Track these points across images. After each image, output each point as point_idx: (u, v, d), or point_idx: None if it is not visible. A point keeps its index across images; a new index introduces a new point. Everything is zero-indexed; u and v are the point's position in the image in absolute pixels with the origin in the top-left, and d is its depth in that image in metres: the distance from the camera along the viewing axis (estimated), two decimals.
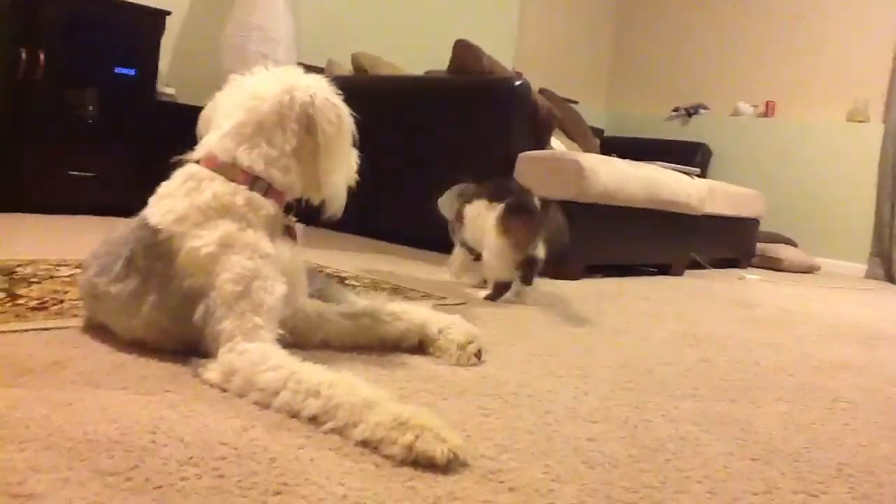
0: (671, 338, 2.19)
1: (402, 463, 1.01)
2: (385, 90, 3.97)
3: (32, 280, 1.88)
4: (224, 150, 1.39)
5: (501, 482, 1.00)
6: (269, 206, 1.39)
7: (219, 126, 1.43)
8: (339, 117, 1.43)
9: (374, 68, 4.22)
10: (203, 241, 1.31)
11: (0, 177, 3.22)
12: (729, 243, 4.91)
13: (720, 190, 4.57)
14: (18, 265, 2.04)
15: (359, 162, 1.55)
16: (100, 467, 0.90)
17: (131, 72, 3.63)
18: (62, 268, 2.07)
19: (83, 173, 3.45)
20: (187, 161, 1.43)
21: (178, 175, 1.42)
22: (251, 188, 1.37)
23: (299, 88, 1.42)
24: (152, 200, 1.41)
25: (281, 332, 1.33)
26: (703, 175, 5.86)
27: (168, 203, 1.36)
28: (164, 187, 1.42)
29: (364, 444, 1.06)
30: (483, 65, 3.61)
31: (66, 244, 2.56)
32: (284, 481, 0.92)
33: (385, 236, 3.91)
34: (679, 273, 4.10)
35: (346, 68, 4.38)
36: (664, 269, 4.07)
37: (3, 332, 1.41)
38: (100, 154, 3.52)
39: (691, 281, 3.89)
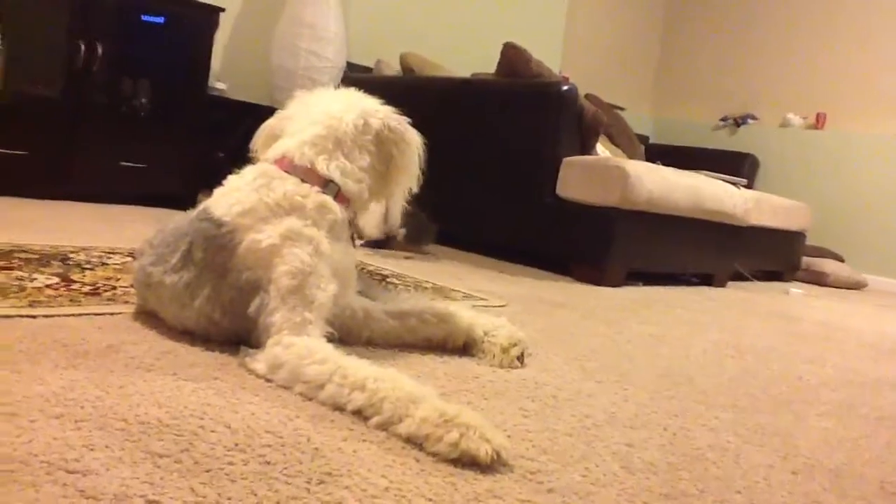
0: (712, 348, 2.17)
1: (446, 460, 1.03)
2: (432, 91, 3.99)
3: (86, 266, 1.93)
4: (302, 155, 1.45)
5: (540, 483, 1.01)
6: (337, 211, 1.44)
7: (293, 136, 1.49)
8: (407, 143, 1.54)
9: (421, 69, 4.25)
10: (266, 234, 1.35)
11: (54, 166, 3.30)
12: (774, 256, 4.84)
13: (766, 201, 4.51)
14: (72, 251, 2.09)
15: (420, 180, 1.63)
16: (151, 449, 0.93)
17: (159, 20, 3.71)
18: (114, 255, 2.12)
19: (134, 164, 3.53)
20: (260, 161, 1.49)
21: (249, 171, 1.46)
22: (323, 190, 1.43)
23: (370, 113, 1.52)
24: (217, 193, 1.45)
25: (329, 329, 1.36)
26: (749, 186, 5.80)
27: (236, 196, 1.40)
28: (233, 181, 1.46)
29: (408, 439, 1.07)
30: (531, 68, 3.61)
31: (117, 233, 2.62)
32: (328, 471, 0.94)
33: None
34: (722, 284, 4.05)
35: (395, 68, 4.41)
36: (707, 280, 4.02)
37: (59, 315, 1.46)
38: (151, 146, 3.59)
39: (734, 292, 3.85)
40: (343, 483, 0.92)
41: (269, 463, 0.94)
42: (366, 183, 1.51)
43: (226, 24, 4.11)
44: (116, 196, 3.50)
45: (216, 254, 1.36)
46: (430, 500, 0.91)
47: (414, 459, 1.02)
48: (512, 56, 3.61)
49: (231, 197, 1.40)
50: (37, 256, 1.95)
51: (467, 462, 1.02)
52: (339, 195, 1.45)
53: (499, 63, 3.70)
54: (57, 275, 1.78)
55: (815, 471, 1.24)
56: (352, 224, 1.52)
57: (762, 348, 2.29)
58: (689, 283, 3.94)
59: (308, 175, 1.43)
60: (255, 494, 0.86)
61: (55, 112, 3.35)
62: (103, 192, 3.46)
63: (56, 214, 2.88)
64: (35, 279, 1.71)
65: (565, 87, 3.37)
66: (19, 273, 1.74)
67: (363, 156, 1.50)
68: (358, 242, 3.22)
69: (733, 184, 3.95)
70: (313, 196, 1.40)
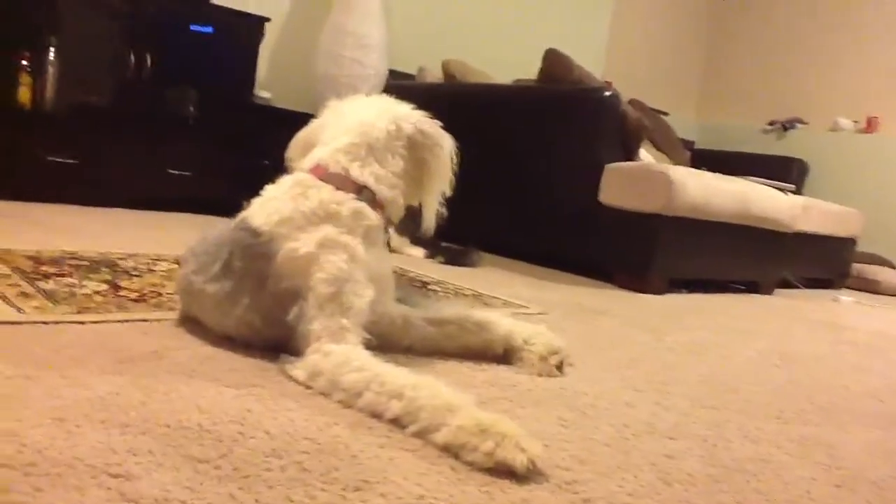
0: (756, 357, 2.14)
1: (482, 469, 1.03)
2: (474, 97, 4.00)
3: (133, 273, 1.98)
4: (336, 163, 1.47)
5: (576, 493, 1.01)
6: (373, 217, 1.45)
7: (327, 144, 1.51)
8: (440, 147, 1.55)
9: (463, 76, 4.26)
10: (302, 242, 1.37)
11: (104, 173, 3.39)
12: (823, 263, 4.74)
13: (815, 207, 4.42)
14: (120, 258, 2.14)
15: (453, 184, 1.64)
16: (191, 453, 0.95)
17: (208, 30, 3.78)
18: (160, 262, 2.17)
19: (181, 172, 3.60)
20: (295, 170, 1.51)
21: (286, 181, 1.49)
22: (358, 197, 1.44)
23: (403, 119, 1.54)
24: (255, 202, 1.48)
25: (367, 335, 1.37)
26: (798, 191, 5.69)
27: (273, 205, 1.43)
28: (270, 191, 1.49)
29: (445, 447, 1.08)
30: (573, 74, 3.60)
31: (164, 240, 2.68)
32: (364, 478, 0.95)
33: (468, 242, 3.93)
34: (769, 292, 3.98)
35: (437, 75, 4.43)
36: (753, 287, 3.96)
37: (106, 321, 1.50)
38: (197, 153, 3.67)
39: (781, 300, 3.78)
40: (378, 490, 0.93)
41: (306, 469, 0.95)
42: (400, 188, 1.52)
43: (271, 33, 4.17)
44: (164, 203, 3.57)
45: (255, 262, 1.38)
46: None
47: (450, 468, 1.03)
48: (553, 62, 3.60)
49: (268, 206, 1.42)
50: (86, 263, 2.00)
51: (503, 471, 1.02)
52: (374, 201, 1.46)
53: (540, 69, 3.69)
54: (105, 281, 1.83)
55: (858, 483, 1.21)
56: (387, 229, 1.53)
57: (808, 357, 2.25)
58: (734, 290, 3.87)
59: (343, 182, 1.44)
60: (292, 500, 0.87)
61: (104, 120, 3.44)
62: (151, 198, 3.54)
63: (105, 221, 2.96)
64: (84, 286, 1.75)
65: (607, 93, 3.35)
66: (70, 280, 1.79)
67: (396, 161, 1.51)
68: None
69: (780, 189, 3.88)
70: (348, 203, 1.42)
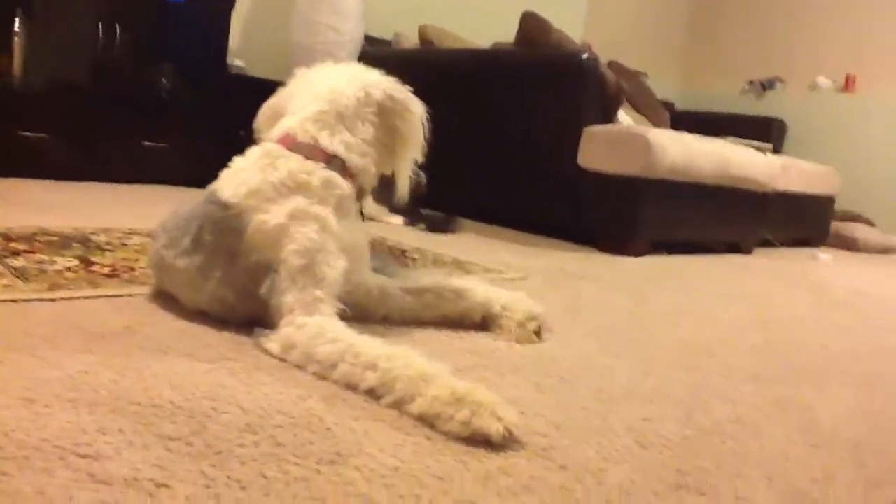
0: (735, 318, 2.14)
1: (458, 438, 1.02)
2: (451, 63, 3.96)
3: (106, 248, 1.95)
4: (304, 132, 1.44)
5: (552, 459, 1.00)
6: (343, 186, 1.43)
7: (295, 113, 1.48)
8: (411, 112, 1.52)
9: (440, 41, 4.21)
10: (272, 214, 1.35)
11: (77, 147, 3.33)
12: (802, 221, 4.77)
13: (794, 166, 4.43)
14: (93, 233, 2.11)
15: (426, 150, 1.61)
16: (162, 431, 0.94)
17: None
18: (134, 236, 2.14)
19: (156, 144, 3.55)
20: (263, 140, 1.48)
21: (254, 151, 1.46)
22: (328, 166, 1.41)
23: (372, 85, 1.51)
24: (224, 175, 1.45)
25: (341, 306, 1.36)
26: (777, 151, 5.69)
27: (242, 177, 1.40)
28: (238, 162, 1.45)
29: (420, 418, 1.07)
30: (551, 37, 3.56)
31: (138, 213, 2.65)
32: (338, 451, 0.95)
33: (448, 208, 3.91)
34: (749, 251, 4.00)
35: (413, 41, 4.37)
36: (733, 248, 3.98)
37: (77, 297, 1.47)
38: (171, 125, 3.61)
39: (761, 260, 3.80)
40: (352, 463, 0.92)
41: (279, 444, 0.95)
42: (371, 156, 1.49)
43: (243, 0, 4.09)
44: (139, 176, 3.52)
45: (225, 236, 1.36)
46: (441, 478, 0.91)
47: (426, 438, 1.02)
48: (530, 25, 3.56)
49: (237, 178, 1.40)
50: (58, 239, 1.97)
51: (479, 440, 1.02)
52: (344, 170, 1.44)
53: (517, 33, 3.65)
54: (77, 257, 1.80)
55: (835, 444, 1.22)
56: (359, 198, 1.51)
57: (787, 318, 2.26)
58: (715, 251, 3.89)
59: (312, 152, 1.41)
60: (265, 476, 0.86)
61: (76, 94, 3.37)
62: (126, 173, 3.48)
63: (79, 196, 2.91)
64: (55, 262, 1.73)
65: (585, 56, 3.32)
66: (40, 256, 1.76)
67: (366, 128, 1.48)
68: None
69: (758, 149, 3.88)
70: (318, 173, 1.39)
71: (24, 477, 0.79)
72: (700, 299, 2.39)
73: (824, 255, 4.30)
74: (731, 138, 3.86)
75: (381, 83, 1.52)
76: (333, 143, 1.44)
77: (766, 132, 5.81)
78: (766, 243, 4.27)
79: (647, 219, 3.24)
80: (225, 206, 1.37)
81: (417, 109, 1.53)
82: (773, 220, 4.23)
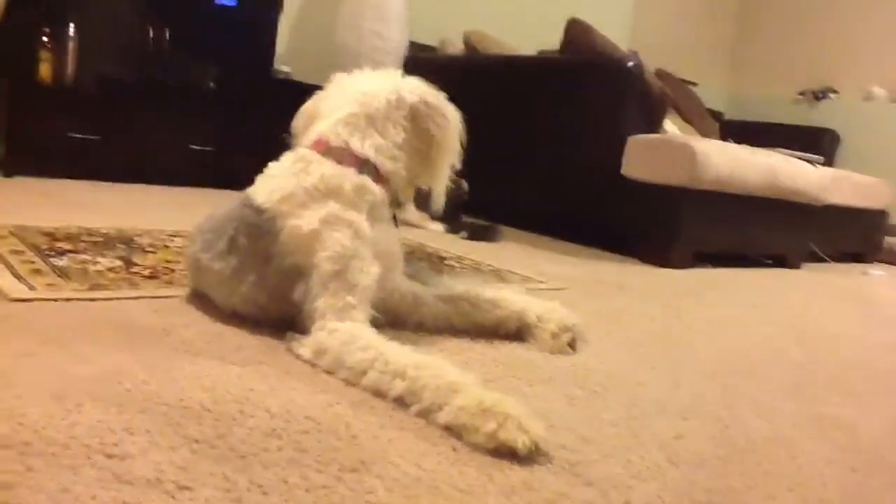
0: (777, 333, 2.09)
1: (484, 450, 1.01)
2: (495, 70, 3.95)
3: (148, 249, 1.98)
4: (336, 136, 1.44)
5: (578, 475, 0.99)
6: (375, 191, 1.43)
7: (328, 117, 1.48)
8: (445, 118, 1.50)
9: (485, 47, 4.20)
10: (306, 219, 1.35)
11: (126, 149, 3.40)
12: (854, 236, 4.64)
13: (845, 179, 4.32)
14: (137, 234, 2.15)
15: (462, 157, 1.59)
16: (188, 433, 0.94)
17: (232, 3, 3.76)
18: (176, 238, 2.17)
19: (202, 147, 3.60)
20: (297, 146, 1.49)
21: (288, 157, 1.47)
22: (360, 171, 1.41)
23: (405, 90, 1.50)
24: (259, 180, 1.46)
25: (374, 313, 1.36)
26: (829, 163, 5.56)
27: (276, 182, 1.41)
28: (273, 168, 1.47)
29: (447, 428, 1.06)
30: (596, 44, 3.52)
31: (182, 215, 2.68)
32: (362, 459, 0.94)
33: (490, 216, 3.90)
34: (796, 265, 3.91)
35: (458, 47, 4.38)
36: (780, 261, 3.89)
37: (116, 298, 1.50)
38: (218, 128, 3.67)
39: (808, 274, 3.71)
40: (375, 472, 0.91)
41: (303, 450, 0.95)
42: (402, 161, 1.48)
43: (290, 6, 4.14)
44: (184, 178, 3.58)
45: (259, 240, 1.37)
46: (463, 490, 0.90)
47: (451, 448, 1.01)
48: (575, 32, 3.53)
49: (271, 183, 1.41)
50: (102, 239, 2.01)
51: (505, 453, 1.01)
52: (376, 174, 1.44)
53: (562, 40, 3.63)
54: (120, 258, 1.83)
55: (876, 467, 1.18)
56: (392, 204, 1.51)
57: (832, 334, 2.20)
58: (760, 264, 3.81)
59: (344, 156, 1.42)
60: (286, 482, 0.86)
61: (125, 96, 3.44)
62: (173, 174, 3.54)
63: (126, 197, 2.97)
64: (98, 262, 1.76)
65: (630, 63, 3.28)
66: (84, 256, 1.80)
67: (397, 132, 1.47)
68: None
69: (809, 161, 3.79)
70: (350, 178, 1.39)
71: (49, 473, 0.81)
72: (741, 313, 2.34)
73: (876, 271, 4.18)
74: (779, 150, 3.77)
75: (415, 88, 1.52)
76: (364, 146, 1.44)
77: (818, 143, 5.68)
78: (814, 257, 4.17)
79: (689, 230, 3.18)
80: (259, 210, 1.38)
81: (452, 115, 1.52)
82: (822, 233, 4.12)
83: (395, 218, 1.55)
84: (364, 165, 1.42)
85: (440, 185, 1.53)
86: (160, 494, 0.80)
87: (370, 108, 1.46)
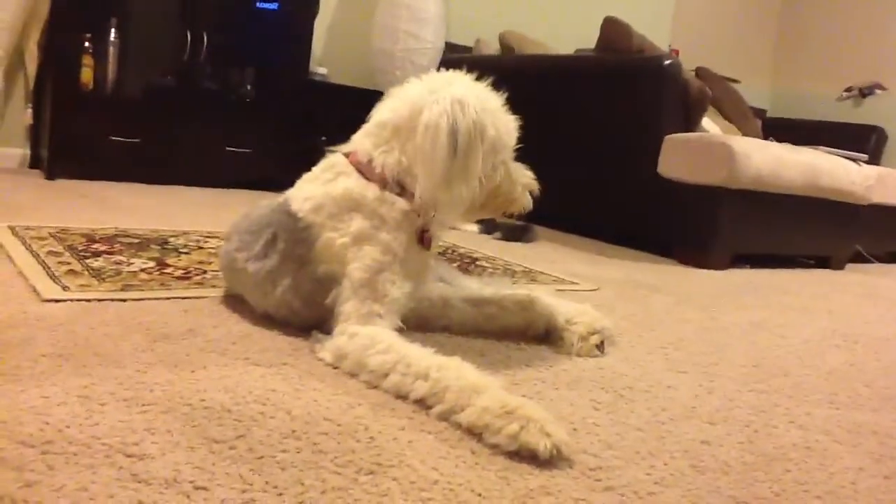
0: (817, 337, 2.04)
1: (504, 453, 1.01)
2: (530, 69, 3.93)
3: (182, 250, 2.01)
4: (364, 150, 1.40)
5: (599, 480, 0.97)
6: (401, 204, 1.36)
7: (368, 123, 1.44)
8: (471, 132, 1.30)
9: (521, 47, 4.18)
10: (339, 233, 1.35)
11: (164, 152, 3.46)
12: None
13: (892, 178, 4.20)
14: (172, 235, 2.18)
15: (532, 178, 1.51)
16: (209, 434, 0.95)
17: (273, 6, 3.80)
18: (211, 240, 2.20)
19: (239, 149, 3.65)
20: (337, 151, 1.46)
21: (322, 163, 1.46)
22: (383, 187, 1.37)
23: (444, 97, 1.31)
24: (297, 184, 1.46)
25: (401, 324, 1.35)
26: (875, 161, 5.42)
27: (308, 189, 1.41)
28: (310, 172, 1.47)
29: (469, 429, 1.06)
30: (632, 42, 3.49)
31: (218, 217, 2.72)
32: (379, 461, 0.94)
33: (525, 216, 3.88)
34: (840, 267, 3.82)
35: (495, 47, 4.36)
36: (823, 263, 3.80)
37: (147, 299, 1.52)
38: (255, 131, 3.71)
39: (852, 276, 3.62)
40: (392, 474, 0.91)
41: (321, 451, 0.95)
42: None
43: (326, 8, 4.17)
44: (223, 181, 3.63)
45: (295, 246, 1.38)
46: (480, 494, 0.89)
47: (470, 452, 1.01)
48: (611, 31, 3.50)
49: (304, 190, 1.41)
50: (138, 241, 2.04)
51: (526, 456, 1.00)
52: (405, 192, 1.37)
53: (598, 39, 3.59)
54: (153, 259, 1.86)
55: None
56: (421, 217, 1.40)
57: (874, 338, 2.14)
58: (803, 265, 3.73)
59: (368, 171, 1.38)
60: (303, 483, 0.86)
61: (165, 100, 3.50)
62: (210, 177, 3.60)
63: (164, 199, 3.02)
64: (132, 263, 1.79)
65: (667, 62, 3.24)
66: (118, 257, 1.83)
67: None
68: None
69: (853, 160, 3.70)
70: (372, 193, 1.36)
71: (69, 472, 0.82)
72: (779, 315, 2.29)
73: None
74: (822, 148, 3.69)
75: (455, 96, 1.31)
76: (388, 160, 1.36)
77: (865, 141, 5.55)
78: (860, 258, 4.07)
79: (728, 230, 3.13)
80: (295, 218, 1.38)
81: (477, 127, 1.31)
82: (867, 234, 4.02)
83: (422, 236, 1.42)
84: (386, 182, 1.37)
85: (455, 198, 1.32)
86: (176, 494, 0.80)
87: (398, 117, 1.37)
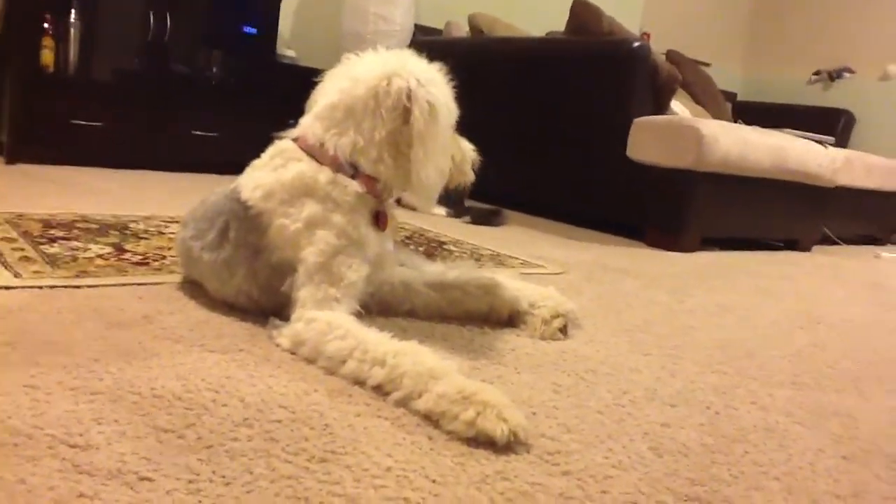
0: (782, 318, 2.05)
1: (462, 439, 0.99)
2: (500, 52, 3.90)
3: (142, 236, 1.97)
4: (314, 133, 1.36)
5: (556, 464, 0.96)
6: (354, 186, 1.34)
7: (313, 108, 1.41)
8: (434, 107, 1.31)
9: (491, 30, 4.15)
10: (291, 219, 1.32)
11: (128, 136, 3.39)
12: (868, 218, 4.57)
13: (859, 160, 4.24)
14: (132, 220, 2.14)
15: (474, 152, 1.50)
16: (157, 423, 0.93)
17: (253, 31, 3.74)
18: (172, 225, 2.16)
19: (205, 133, 3.59)
20: (284, 137, 1.44)
21: (270, 150, 1.42)
22: (336, 170, 1.34)
23: (400, 74, 1.32)
24: (246, 171, 1.43)
25: (358, 308, 1.33)
26: (844, 144, 5.48)
27: (257, 177, 1.38)
28: (258, 160, 1.43)
29: (426, 415, 1.05)
30: (602, 25, 3.47)
31: (182, 202, 2.67)
32: (333, 449, 0.92)
33: (495, 200, 3.87)
34: (808, 249, 3.85)
35: (465, 30, 4.33)
36: (792, 245, 3.83)
37: (101, 285, 1.48)
38: (221, 114, 3.65)
39: (819, 257, 3.65)
40: (345, 462, 0.89)
41: (273, 439, 0.93)
42: (383, 161, 1.35)
43: None
44: (188, 164, 3.57)
45: (248, 234, 1.35)
46: (435, 481, 0.88)
47: (426, 437, 0.99)
48: (581, 13, 3.48)
49: (253, 177, 1.38)
50: (97, 226, 2.00)
51: (483, 441, 0.99)
52: (358, 174, 1.35)
53: (568, 21, 3.57)
54: (111, 244, 1.82)
55: (871, 456, 1.14)
56: (381, 203, 1.40)
57: (840, 319, 2.16)
58: (771, 247, 3.76)
59: (320, 155, 1.35)
60: (252, 472, 0.84)
61: (128, 83, 3.43)
62: (176, 160, 3.54)
63: (127, 184, 2.96)
64: (89, 249, 1.75)
65: (635, 45, 3.22)
66: (75, 243, 1.79)
67: (378, 126, 1.33)
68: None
69: (819, 142, 3.73)
70: (325, 177, 1.33)
71: (8, 465, 0.79)
72: (747, 297, 2.30)
73: (889, 254, 4.11)
74: (789, 131, 3.71)
75: (411, 73, 1.33)
76: (340, 143, 1.34)
77: (833, 124, 5.60)
78: (827, 240, 4.11)
79: (697, 213, 3.14)
80: (245, 205, 1.35)
81: (440, 102, 1.33)
82: (835, 216, 4.06)
83: (378, 217, 1.40)
84: (339, 165, 1.34)
85: (424, 180, 1.32)
86: (119, 486, 0.78)
87: (352, 97, 1.34)
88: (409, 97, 1.32)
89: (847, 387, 1.50)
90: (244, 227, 1.36)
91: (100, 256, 1.70)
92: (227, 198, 1.42)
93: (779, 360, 1.63)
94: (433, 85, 1.35)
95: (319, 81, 1.50)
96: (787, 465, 1.07)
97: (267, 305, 1.39)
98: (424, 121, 1.30)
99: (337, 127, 1.35)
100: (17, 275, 1.47)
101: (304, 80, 1.58)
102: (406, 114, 1.33)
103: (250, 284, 1.39)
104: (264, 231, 1.34)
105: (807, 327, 1.98)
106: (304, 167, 1.34)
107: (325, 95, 1.40)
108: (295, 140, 1.40)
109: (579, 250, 2.79)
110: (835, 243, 4.18)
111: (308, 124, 1.39)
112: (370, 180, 1.36)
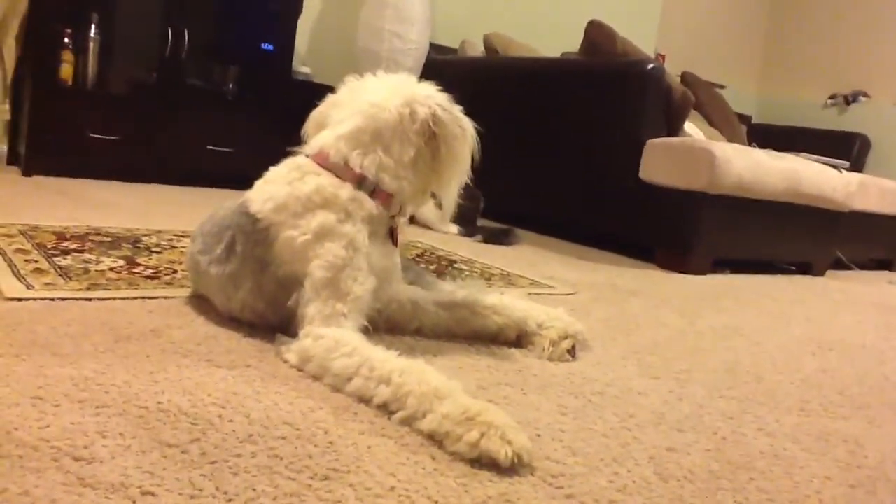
0: (792, 343, 2.04)
1: (465, 460, 0.99)
2: (514, 72, 3.92)
3: (154, 249, 1.98)
4: (338, 151, 1.39)
5: (560, 488, 0.96)
6: (370, 207, 1.38)
7: (334, 127, 1.43)
8: (462, 130, 1.43)
9: (506, 50, 4.17)
10: (300, 230, 1.33)
11: (144, 150, 3.42)
12: (882, 243, 4.53)
13: (874, 184, 4.21)
14: (145, 234, 2.15)
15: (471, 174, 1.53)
16: (162, 437, 0.93)
17: (270, 48, 3.78)
18: (184, 239, 2.17)
19: (220, 148, 3.62)
20: (300, 153, 1.46)
21: (285, 164, 1.44)
22: (358, 187, 1.37)
23: (419, 101, 1.41)
24: (256, 185, 1.44)
25: (365, 323, 1.34)
26: (859, 168, 5.45)
27: (269, 190, 1.39)
28: (270, 173, 1.45)
29: (430, 435, 1.04)
30: (616, 46, 3.48)
31: (195, 216, 2.68)
32: (336, 467, 0.92)
33: (510, 219, 3.87)
34: (820, 273, 3.83)
35: (480, 49, 4.35)
36: (804, 269, 3.81)
37: (112, 298, 1.50)
38: (237, 130, 3.68)
39: (832, 282, 3.63)
40: (348, 480, 0.89)
41: (277, 456, 0.93)
42: (408, 179, 1.42)
43: (310, 8, 4.15)
44: (204, 179, 3.59)
45: (255, 248, 1.36)
46: (437, 502, 0.88)
47: (430, 458, 0.99)
48: (595, 34, 3.49)
49: (265, 191, 1.39)
50: (110, 239, 2.02)
51: (487, 463, 0.98)
52: (376, 191, 1.38)
53: (582, 42, 3.59)
54: (124, 258, 1.84)
55: (878, 484, 1.13)
56: (394, 220, 1.46)
57: (850, 344, 2.14)
58: (783, 271, 3.73)
59: (342, 172, 1.37)
60: (254, 489, 0.84)
61: (146, 97, 3.47)
62: (191, 175, 3.56)
63: (142, 197, 2.98)
64: (101, 262, 1.76)
65: (649, 66, 3.23)
66: (88, 256, 1.80)
67: (405, 149, 1.40)
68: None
69: (834, 167, 3.71)
70: (346, 191, 1.35)
71: (12, 476, 0.80)
72: (757, 321, 2.28)
73: None
74: (803, 154, 3.69)
75: (429, 99, 1.42)
76: (365, 163, 1.38)
77: (849, 148, 5.58)
78: (840, 265, 4.08)
79: (708, 235, 3.13)
80: (253, 219, 1.36)
81: (463, 130, 1.43)
82: (848, 241, 4.03)
83: (392, 233, 1.48)
84: (362, 182, 1.38)
85: (448, 202, 1.46)
86: (122, 500, 0.79)
87: (378, 121, 1.40)
88: (433, 121, 1.40)
89: (855, 414, 1.48)
90: (251, 241, 1.37)
91: (112, 269, 1.71)
92: (234, 212, 1.44)
93: (787, 385, 1.61)
94: (454, 109, 1.44)
95: (326, 99, 1.56)
96: (794, 492, 1.06)
97: (273, 319, 1.40)
98: (457, 143, 1.41)
99: (364, 148, 1.40)
100: (29, 286, 1.48)
101: (318, 97, 1.60)
102: (430, 136, 1.41)
103: (256, 299, 1.39)
104: (271, 244, 1.35)
105: (816, 353, 1.97)
106: (324, 181, 1.36)
107: (344, 119, 1.43)
108: (309, 156, 1.41)
109: (590, 271, 2.79)
110: (848, 268, 4.15)
111: (329, 142, 1.40)
112: (387, 197, 1.40)
